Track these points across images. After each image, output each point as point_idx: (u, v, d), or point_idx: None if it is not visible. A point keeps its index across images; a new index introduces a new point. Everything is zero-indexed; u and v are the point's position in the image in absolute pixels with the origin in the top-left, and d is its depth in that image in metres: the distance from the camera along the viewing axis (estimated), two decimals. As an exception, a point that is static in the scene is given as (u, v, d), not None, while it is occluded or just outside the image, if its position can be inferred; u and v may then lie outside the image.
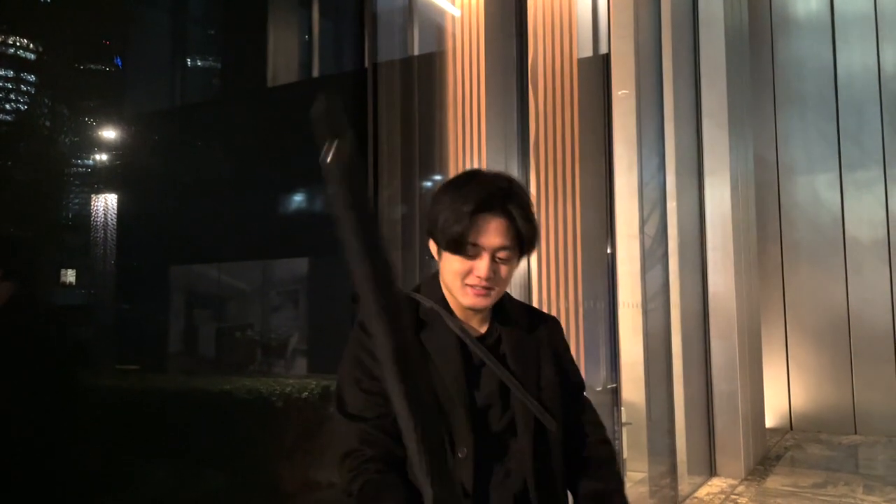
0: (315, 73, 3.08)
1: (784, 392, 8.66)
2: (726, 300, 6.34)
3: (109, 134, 2.27)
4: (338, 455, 1.31)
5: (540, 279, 4.70)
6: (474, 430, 1.33)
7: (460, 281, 1.36)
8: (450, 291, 1.40)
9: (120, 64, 2.41)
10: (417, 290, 1.45)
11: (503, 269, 1.37)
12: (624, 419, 5.19)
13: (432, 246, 1.41)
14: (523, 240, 1.37)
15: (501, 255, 1.35)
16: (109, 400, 2.14)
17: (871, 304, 8.25)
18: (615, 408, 4.50)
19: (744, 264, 6.68)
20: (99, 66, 2.34)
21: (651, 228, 5.88)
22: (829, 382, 8.45)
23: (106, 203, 2.16)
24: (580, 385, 1.55)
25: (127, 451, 2.12)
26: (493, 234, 1.34)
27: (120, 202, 2.19)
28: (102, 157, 2.22)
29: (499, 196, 1.34)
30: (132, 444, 2.14)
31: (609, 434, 5.02)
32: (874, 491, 5.74)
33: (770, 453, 7.21)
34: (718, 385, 6.31)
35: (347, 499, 1.29)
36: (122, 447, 2.11)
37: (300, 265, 2.57)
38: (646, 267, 5.69)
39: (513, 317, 1.46)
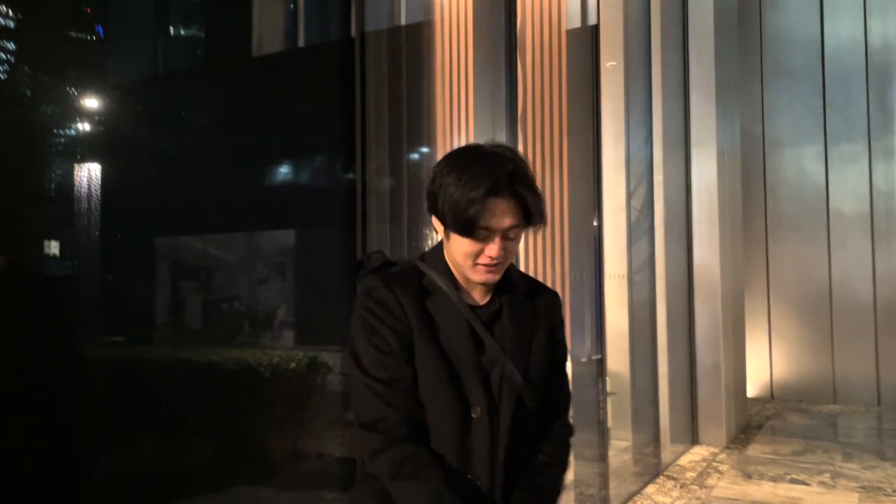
0: (301, 43, 3.04)
1: (766, 362, 8.79)
2: (711, 272, 6.40)
3: (91, 103, 2.24)
4: (362, 418, 1.35)
5: (527, 250, 4.71)
6: (486, 390, 1.39)
7: (471, 261, 1.39)
8: (456, 266, 1.44)
9: (101, 32, 2.37)
10: (422, 258, 1.48)
11: (512, 245, 1.40)
12: (609, 389, 5.26)
13: (437, 223, 1.43)
14: (531, 216, 1.40)
15: (511, 233, 1.39)
16: (95, 371, 2.14)
17: (853, 277, 8.35)
18: (600, 378, 4.55)
19: (729, 236, 6.73)
20: (80, 34, 2.30)
21: (637, 201, 5.90)
22: (809, 353, 8.58)
23: (89, 173, 2.14)
24: (563, 363, 1.60)
25: (113, 422, 2.12)
26: (503, 216, 1.36)
27: (104, 172, 2.16)
28: (85, 127, 2.19)
29: (507, 178, 1.36)
30: (118, 414, 2.15)
31: (594, 403, 5.05)
32: (853, 458, 5.87)
33: (751, 422, 7.33)
34: (702, 355, 6.40)
35: (375, 468, 1.35)
36: (109, 418, 2.12)
37: (287, 237, 2.56)
38: (632, 239, 5.73)
39: (515, 287, 1.50)
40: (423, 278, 1.42)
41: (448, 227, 1.38)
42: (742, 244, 7.61)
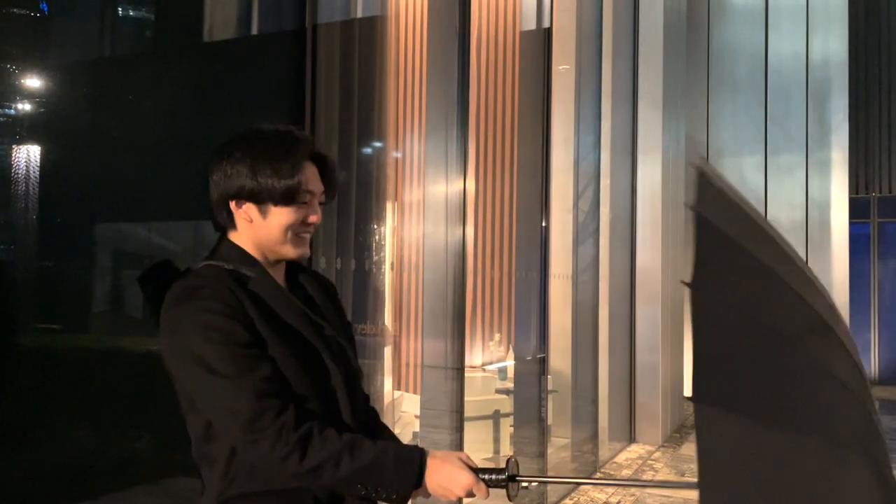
0: (254, 31, 3.01)
1: (702, 365, 9.04)
2: (652, 275, 6.56)
3: (32, 83, 2.17)
4: (240, 420, 1.25)
5: (476, 249, 4.76)
6: (337, 363, 1.40)
7: (291, 233, 1.40)
8: (270, 245, 1.41)
9: (45, 9, 2.30)
10: (208, 260, 1.42)
11: (321, 213, 1.45)
12: (550, 387, 5.34)
13: (241, 210, 1.39)
14: (333, 185, 1.46)
15: (321, 199, 1.44)
16: (29, 358, 2.09)
17: (787, 284, 8.66)
18: (542, 376, 4.63)
19: (671, 241, 6.91)
20: (22, 11, 2.23)
21: (585, 203, 6.00)
22: (744, 356, 8.86)
23: (28, 155, 2.08)
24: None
25: (48, 410, 2.07)
26: (316, 180, 1.42)
27: (44, 155, 2.11)
28: (25, 107, 2.13)
29: (312, 145, 1.42)
30: (53, 403, 2.10)
31: (535, 401, 5.10)
32: (779, 459, 6.09)
33: (686, 422, 7.54)
34: (641, 356, 6.55)
35: (280, 461, 1.25)
36: (43, 406, 2.06)
37: (233, 227, 2.53)
38: (578, 240, 5.83)
39: (305, 274, 1.54)
40: (231, 273, 1.37)
41: (267, 202, 1.37)
42: (684, 249, 7.81)
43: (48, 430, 2.09)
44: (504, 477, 1.34)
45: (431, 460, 1.32)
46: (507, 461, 1.39)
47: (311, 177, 1.40)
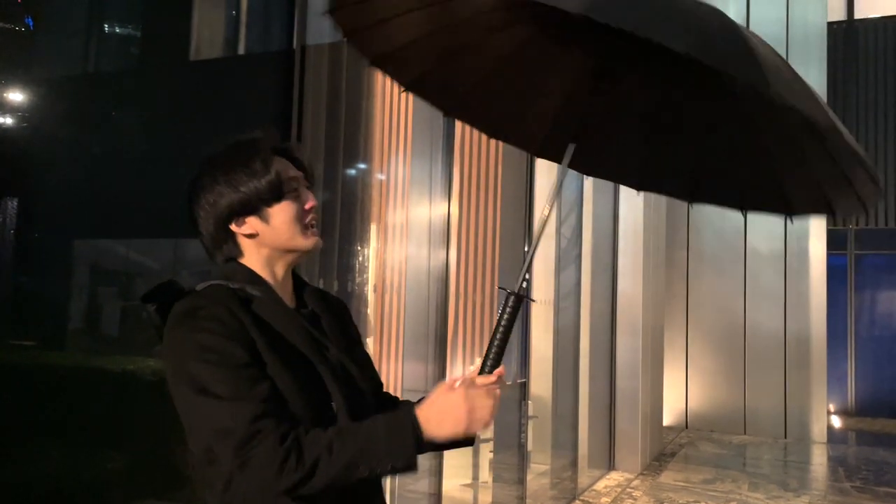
0: (241, 51, 3.01)
1: (682, 392, 9.07)
2: (633, 302, 6.59)
3: (15, 97, 2.16)
4: (235, 441, 1.20)
5: (458, 272, 4.75)
6: (339, 383, 1.37)
7: (301, 224, 1.40)
8: (282, 251, 1.41)
9: (31, 24, 2.30)
10: (216, 278, 1.39)
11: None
12: (531, 413, 5.32)
13: (250, 224, 1.38)
14: (308, 169, 1.46)
15: (306, 184, 1.44)
16: (3, 376, 2.05)
17: (766, 314, 8.73)
18: (523, 401, 4.61)
19: (651, 269, 6.95)
20: (7, 25, 2.22)
21: (567, 230, 6.04)
22: (723, 385, 8.91)
23: (8, 170, 2.06)
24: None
25: (21, 429, 2.03)
26: (291, 168, 1.42)
27: (24, 170, 2.09)
28: (6, 121, 2.11)
29: (271, 140, 1.43)
30: (27, 421, 2.06)
31: (515, 427, 5.07)
32: (758, 488, 6.10)
33: (666, 450, 7.54)
34: (621, 383, 6.56)
35: (270, 479, 1.20)
36: (16, 425, 2.02)
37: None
38: (560, 266, 5.85)
39: (312, 292, 1.52)
40: (236, 292, 1.35)
41: (261, 207, 1.37)
42: (664, 277, 7.86)
43: (19, 447, 2.04)
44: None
45: (420, 411, 1.28)
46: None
47: (285, 167, 1.40)
